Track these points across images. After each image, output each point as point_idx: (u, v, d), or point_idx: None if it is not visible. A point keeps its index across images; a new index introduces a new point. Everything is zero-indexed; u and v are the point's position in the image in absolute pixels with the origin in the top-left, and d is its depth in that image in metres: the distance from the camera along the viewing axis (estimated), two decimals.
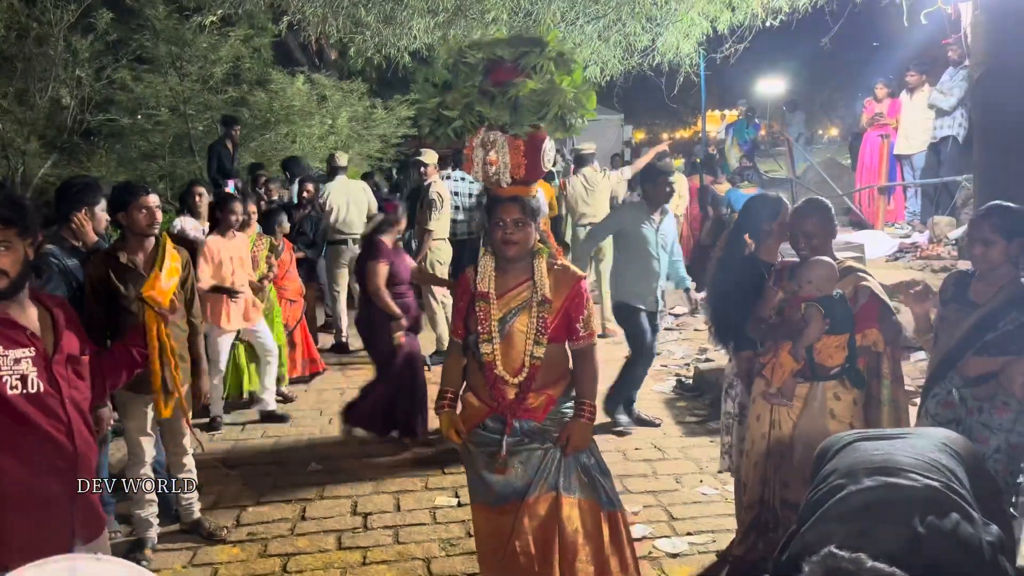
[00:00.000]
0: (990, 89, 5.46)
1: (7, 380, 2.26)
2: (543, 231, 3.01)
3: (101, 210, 3.98)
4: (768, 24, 6.49)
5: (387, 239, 5.26)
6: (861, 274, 3.19)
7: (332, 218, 7.66)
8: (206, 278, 5.21)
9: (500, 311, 2.86)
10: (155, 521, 3.94)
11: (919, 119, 8.97)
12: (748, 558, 3.36)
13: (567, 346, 2.97)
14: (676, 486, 4.56)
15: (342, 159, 8.10)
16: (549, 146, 3.05)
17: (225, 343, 5.59)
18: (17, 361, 2.28)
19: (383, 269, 5.09)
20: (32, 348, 2.33)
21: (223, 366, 5.66)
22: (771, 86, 19.95)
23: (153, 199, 3.79)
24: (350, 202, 7.73)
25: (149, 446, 3.90)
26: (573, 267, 2.97)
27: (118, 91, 10.91)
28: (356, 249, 7.21)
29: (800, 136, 14.64)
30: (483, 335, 2.85)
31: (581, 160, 8.58)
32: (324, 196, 7.73)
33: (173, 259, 3.49)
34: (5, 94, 9.59)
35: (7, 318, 2.31)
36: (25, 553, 2.06)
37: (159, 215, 3.82)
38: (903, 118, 9.27)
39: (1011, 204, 3.01)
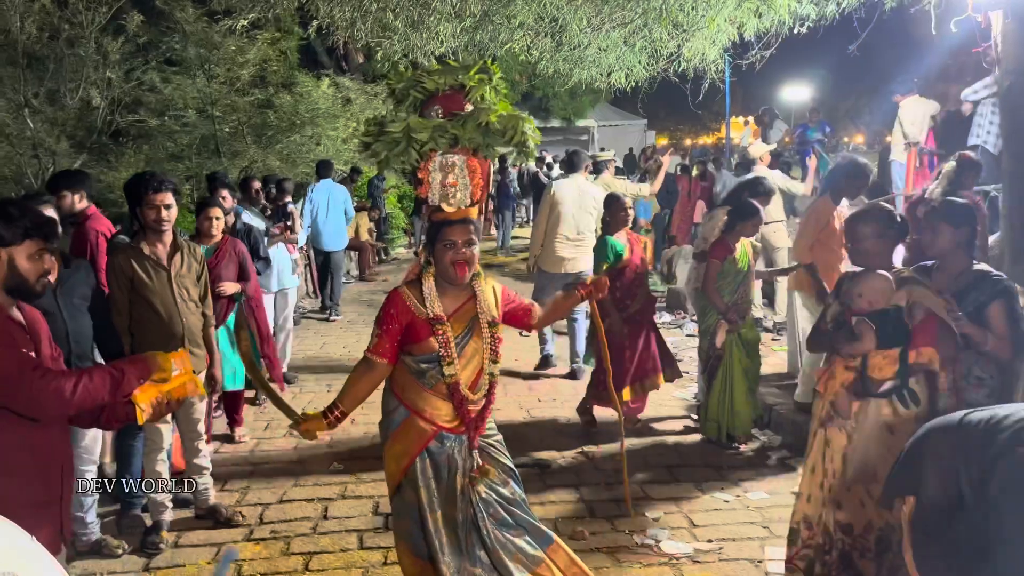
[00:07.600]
0: (1020, 98, 5.39)
1: None
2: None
3: None
4: (795, 31, 6.44)
5: None
6: (918, 288, 3.05)
7: None
8: None
9: (454, 332, 2.92)
10: (169, 505, 4.05)
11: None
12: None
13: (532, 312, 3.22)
14: (697, 492, 4.56)
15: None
16: (492, 170, 3.22)
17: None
18: None
19: None
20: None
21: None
22: (796, 93, 19.78)
23: (161, 197, 3.73)
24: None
25: (167, 432, 4.00)
26: (488, 278, 3.08)
27: (147, 92, 11.06)
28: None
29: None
30: (446, 358, 2.88)
31: (598, 167, 8.53)
32: None
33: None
34: (36, 94, 9.73)
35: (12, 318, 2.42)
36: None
37: (167, 213, 3.78)
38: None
39: (961, 199, 3.62)
